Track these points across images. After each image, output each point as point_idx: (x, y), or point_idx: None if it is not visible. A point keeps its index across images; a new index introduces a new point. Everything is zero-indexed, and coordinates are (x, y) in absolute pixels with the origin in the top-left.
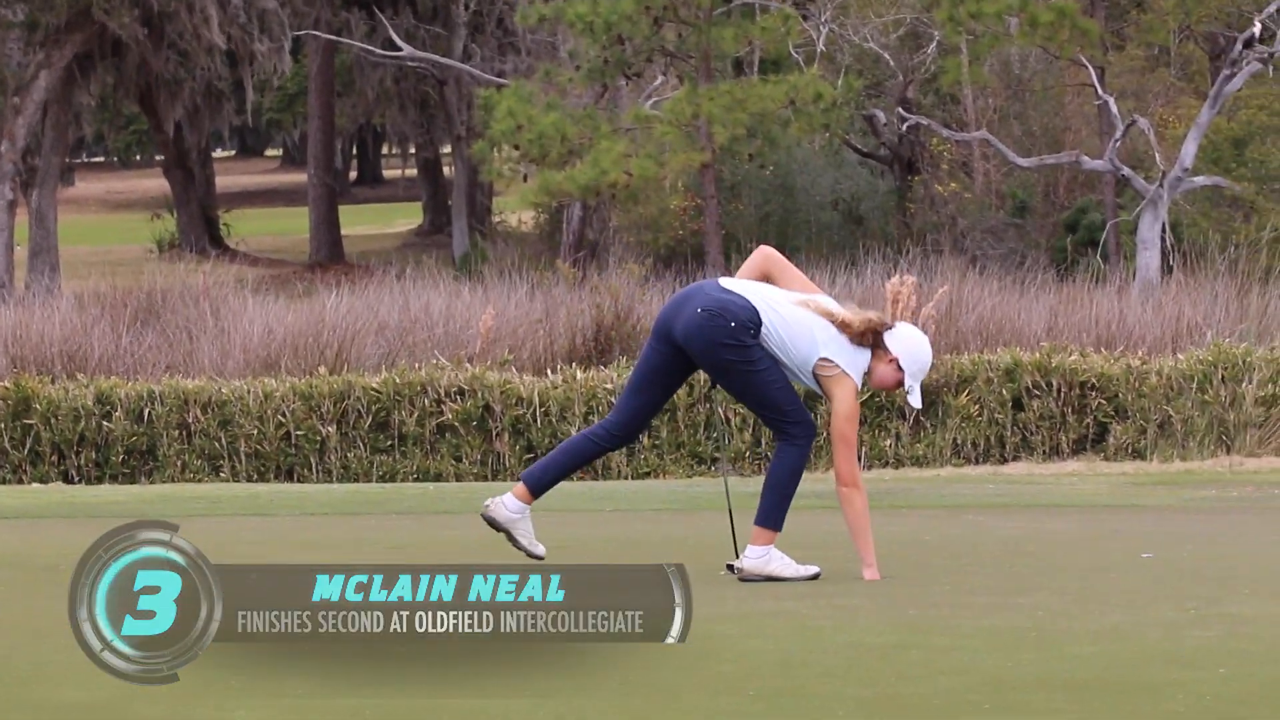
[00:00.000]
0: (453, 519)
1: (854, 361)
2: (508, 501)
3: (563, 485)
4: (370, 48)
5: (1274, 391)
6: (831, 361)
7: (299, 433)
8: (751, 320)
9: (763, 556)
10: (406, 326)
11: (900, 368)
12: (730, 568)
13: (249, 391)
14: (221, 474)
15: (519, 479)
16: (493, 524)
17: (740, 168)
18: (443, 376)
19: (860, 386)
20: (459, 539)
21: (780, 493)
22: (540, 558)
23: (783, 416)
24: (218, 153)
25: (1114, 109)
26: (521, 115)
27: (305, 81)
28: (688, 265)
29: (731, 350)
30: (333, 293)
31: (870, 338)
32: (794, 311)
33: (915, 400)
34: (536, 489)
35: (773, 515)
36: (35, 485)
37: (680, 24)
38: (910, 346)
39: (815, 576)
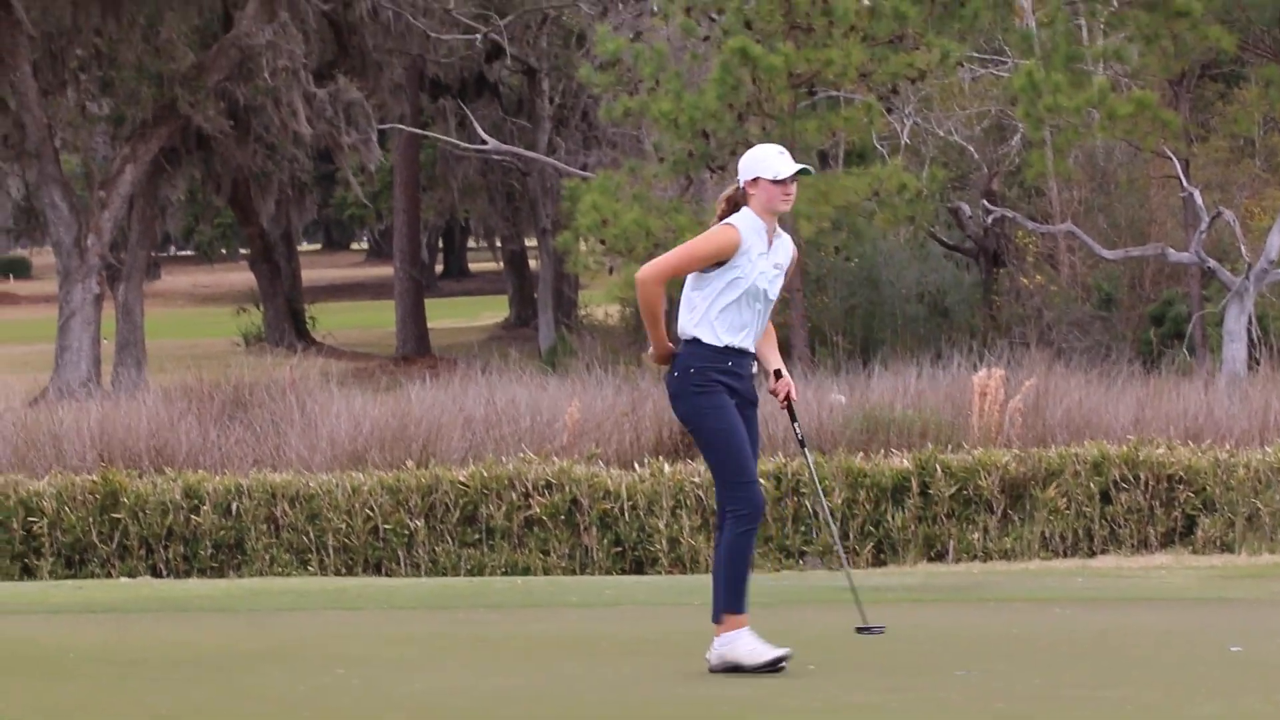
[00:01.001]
0: (541, 613)
1: (746, 224)
2: (719, 643)
3: (653, 580)
4: (456, 141)
5: None
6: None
7: (387, 526)
8: (684, 359)
9: (730, 643)
10: (493, 420)
11: (758, 185)
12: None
13: (337, 485)
14: (309, 568)
15: (714, 621)
16: (732, 668)
17: (825, 260)
18: (530, 470)
19: (751, 241)
20: (548, 634)
21: (727, 576)
22: (787, 656)
23: (723, 484)
24: (303, 246)
25: (1199, 200)
26: (606, 209)
27: (391, 175)
28: None
29: (677, 403)
30: (419, 386)
31: (730, 205)
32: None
33: (784, 169)
34: (731, 607)
35: (729, 600)
36: (123, 579)
37: (764, 117)
38: (745, 165)
39: (780, 661)
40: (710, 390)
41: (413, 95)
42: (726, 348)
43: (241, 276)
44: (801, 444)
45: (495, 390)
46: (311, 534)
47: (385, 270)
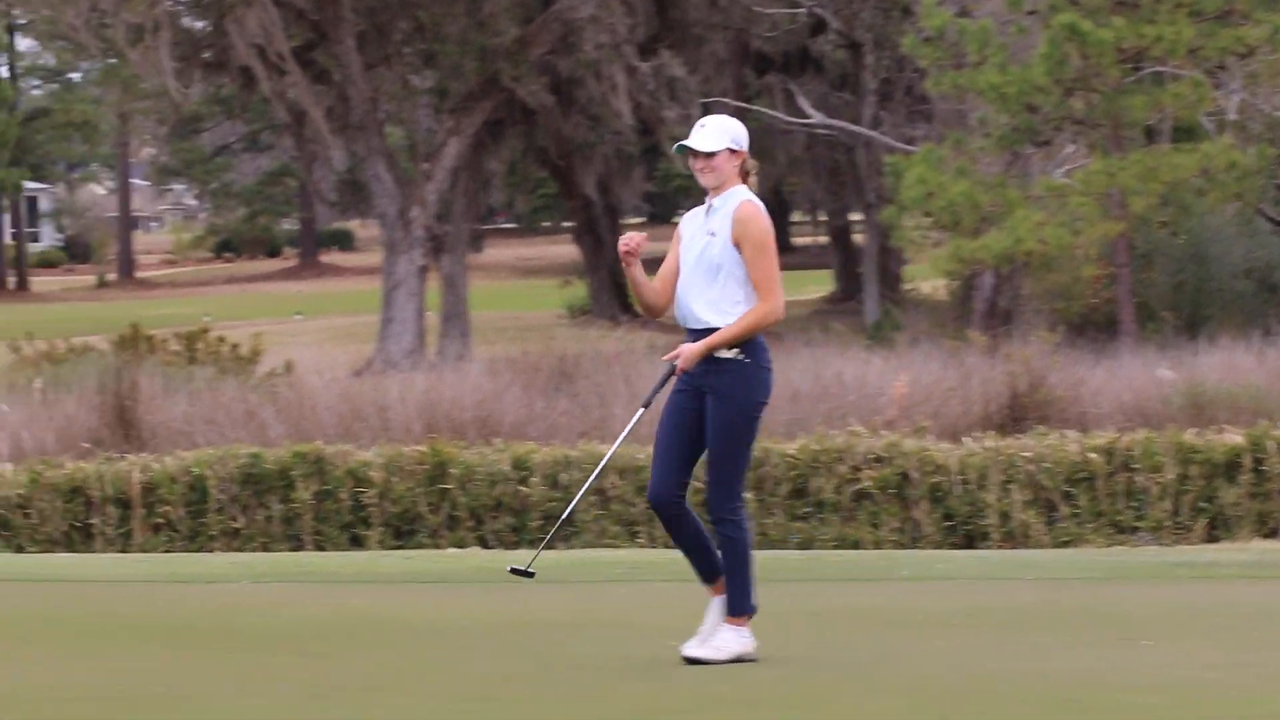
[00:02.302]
0: (872, 587)
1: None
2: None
3: (984, 554)
4: (780, 114)
5: None
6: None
7: None
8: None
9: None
10: (819, 393)
11: (733, 151)
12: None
13: None
14: (638, 539)
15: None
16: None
17: (1152, 236)
18: (860, 443)
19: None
20: (880, 609)
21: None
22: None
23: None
24: (628, 219)
25: None
26: (932, 182)
27: None
28: (1100, 334)
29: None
30: None
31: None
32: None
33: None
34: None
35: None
36: (452, 550)
37: (1090, 92)
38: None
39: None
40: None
41: (736, 70)
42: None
43: (565, 249)
44: (644, 405)
45: (821, 364)
46: (641, 506)
47: None
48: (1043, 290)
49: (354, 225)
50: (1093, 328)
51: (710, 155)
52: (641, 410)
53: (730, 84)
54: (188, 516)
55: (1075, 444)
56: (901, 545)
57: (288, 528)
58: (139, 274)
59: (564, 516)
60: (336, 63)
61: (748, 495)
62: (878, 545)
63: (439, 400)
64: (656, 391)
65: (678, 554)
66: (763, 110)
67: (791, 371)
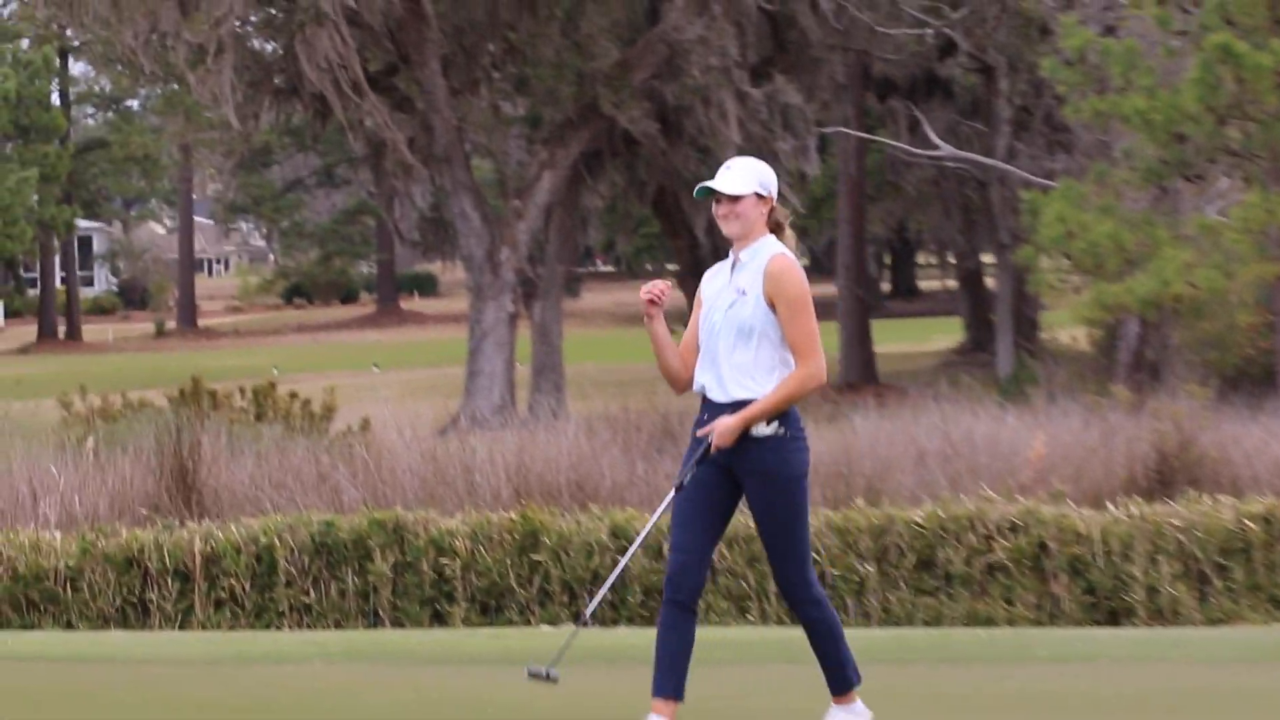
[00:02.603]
0: (1007, 668)
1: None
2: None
3: (1129, 633)
4: (905, 146)
5: None
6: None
7: (834, 571)
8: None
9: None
10: (947, 454)
11: (761, 196)
12: None
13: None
14: (749, 615)
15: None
16: None
17: None
18: (992, 510)
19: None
20: (1016, 693)
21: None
22: None
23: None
24: None
25: None
26: (1072, 220)
27: (832, 184)
28: (1257, 388)
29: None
30: (865, 416)
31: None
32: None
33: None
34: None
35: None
36: (544, 627)
37: (1246, 120)
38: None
39: None
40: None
41: (856, 96)
42: (702, 398)
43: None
44: (677, 487)
45: (949, 421)
46: (751, 579)
47: (826, 289)
48: (1193, 339)
49: (437, 268)
50: (1249, 381)
51: (735, 199)
52: (673, 493)
53: (850, 112)
54: (254, 590)
55: (1230, 511)
56: (1038, 623)
57: (364, 603)
58: (201, 322)
59: (588, 611)
60: (419, 88)
61: (869, 567)
62: (1012, 623)
63: (530, 462)
64: (689, 471)
65: (794, 631)
66: (886, 141)
67: (916, 430)
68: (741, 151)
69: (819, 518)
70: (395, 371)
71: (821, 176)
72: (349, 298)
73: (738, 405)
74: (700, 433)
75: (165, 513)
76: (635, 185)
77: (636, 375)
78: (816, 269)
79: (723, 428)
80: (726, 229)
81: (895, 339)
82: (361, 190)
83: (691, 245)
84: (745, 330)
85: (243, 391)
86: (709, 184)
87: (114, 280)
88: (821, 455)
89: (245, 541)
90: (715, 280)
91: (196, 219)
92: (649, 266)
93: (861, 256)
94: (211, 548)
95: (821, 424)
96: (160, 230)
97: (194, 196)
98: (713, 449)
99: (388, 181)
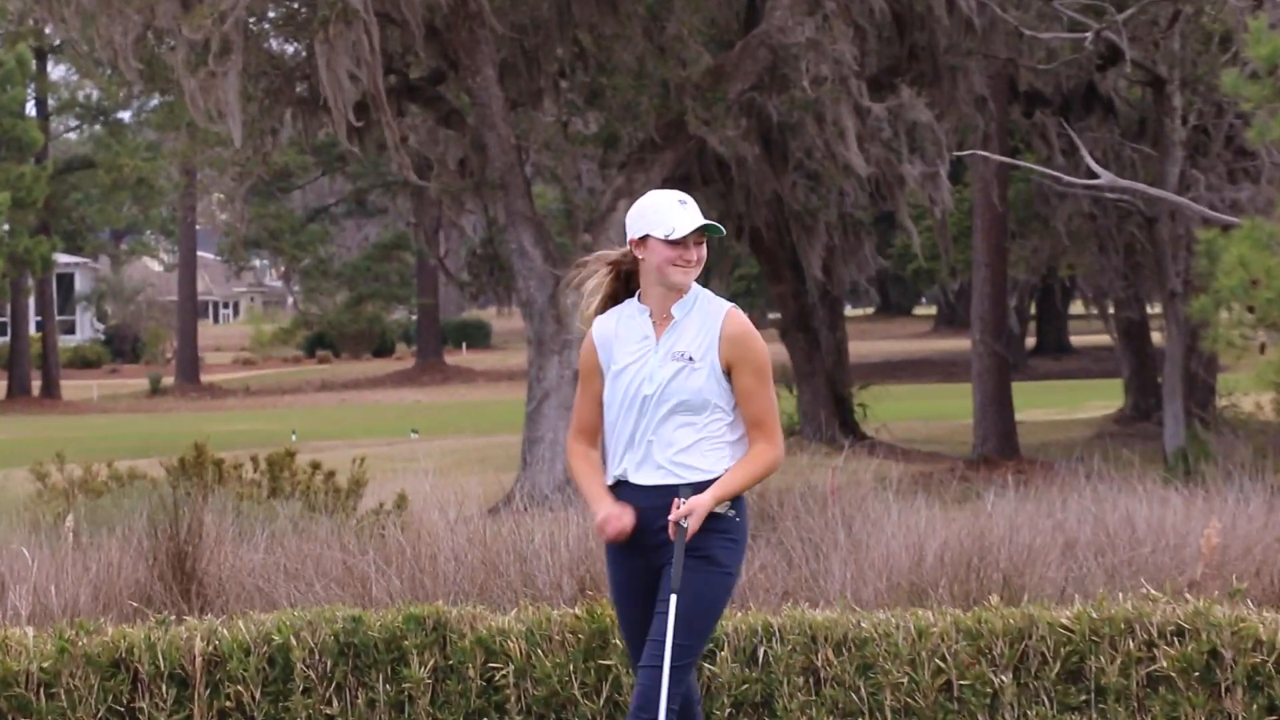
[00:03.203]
0: None
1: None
2: None
3: None
4: (1056, 173)
5: None
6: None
7: (963, 682)
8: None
9: None
10: (1102, 544)
11: (646, 244)
12: None
13: (897, 627)
14: None
15: None
16: None
17: None
18: (1155, 611)
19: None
20: None
21: None
22: None
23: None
24: (851, 310)
25: None
26: (1257, 266)
27: (967, 218)
28: None
29: None
30: (1003, 496)
31: (616, 276)
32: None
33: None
34: None
35: None
36: None
37: None
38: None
39: None
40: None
41: (999, 112)
42: (615, 482)
43: (768, 349)
44: (675, 591)
45: (1104, 504)
46: (863, 691)
47: (960, 343)
48: None
49: (489, 315)
50: None
51: (702, 241)
52: (674, 596)
53: (992, 131)
54: (265, 699)
55: None
56: None
57: (398, 715)
58: (205, 377)
59: None
60: (471, 100)
61: (1004, 677)
62: None
63: (599, 549)
64: (680, 568)
65: None
66: (1033, 167)
67: (1065, 514)
68: (862, 179)
69: (944, 618)
70: (438, 439)
71: (955, 210)
72: (383, 350)
73: (671, 491)
74: (674, 517)
75: (159, 605)
76: (730, 219)
77: None
78: (946, 320)
79: (700, 508)
80: (685, 278)
81: (1041, 404)
82: (400, 222)
83: (796, 293)
84: (695, 405)
85: (255, 461)
86: (709, 222)
87: (100, 327)
88: (948, 542)
89: (256, 641)
90: (626, 340)
91: (200, 254)
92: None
93: (1002, 305)
94: (215, 648)
95: (950, 505)
96: (156, 268)
97: (197, 228)
98: (688, 534)
99: (431, 212)
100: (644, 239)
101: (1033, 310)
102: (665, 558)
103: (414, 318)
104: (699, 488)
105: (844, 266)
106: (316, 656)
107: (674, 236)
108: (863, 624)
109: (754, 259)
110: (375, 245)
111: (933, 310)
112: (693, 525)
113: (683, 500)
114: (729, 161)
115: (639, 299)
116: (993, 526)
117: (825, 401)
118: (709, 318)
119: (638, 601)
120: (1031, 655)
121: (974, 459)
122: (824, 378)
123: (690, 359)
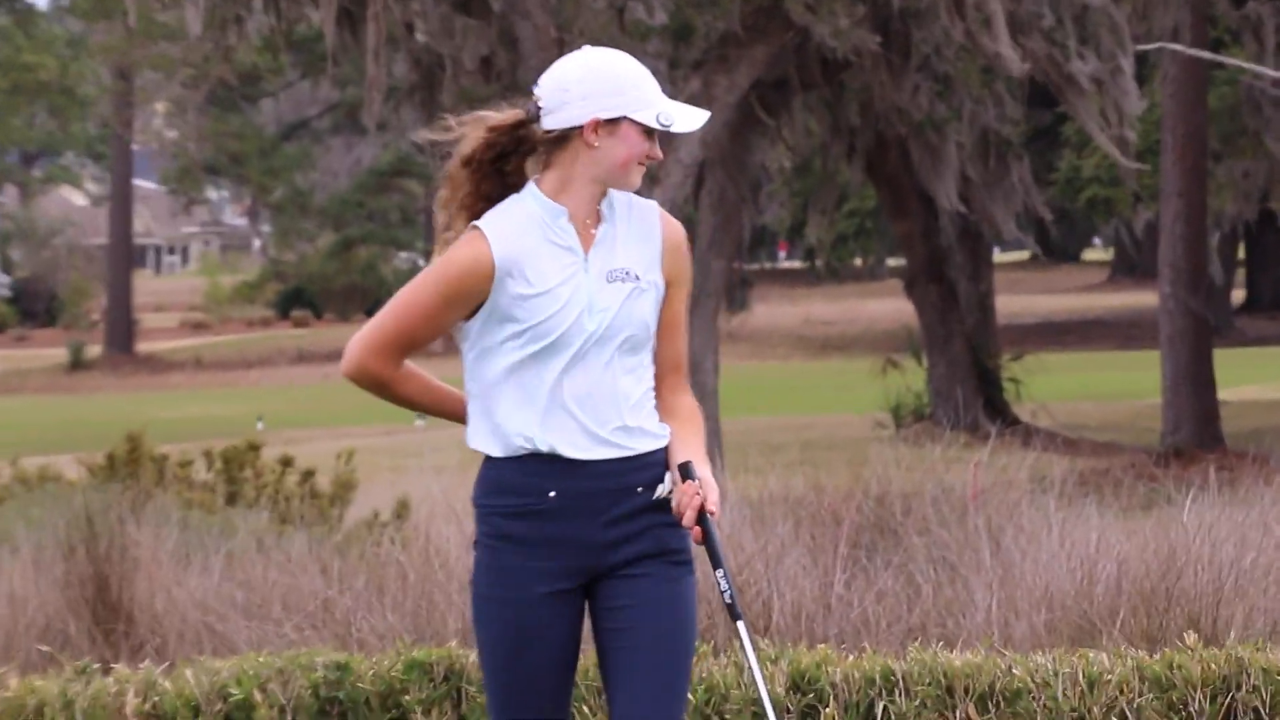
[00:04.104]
0: None
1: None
2: None
3: None
4: (1271, 72)
5: None
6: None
7: None
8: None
9: None
10: None
11: (616, 131)
12: None
13: (1058, 673)
14: None
15: None
16: None
17: None
18: None
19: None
20: None
21: None
22: None
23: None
24: (999, 255)
25: None
26: None
27: (1154, 133)
28: None
29: None
30: (1201, 501)
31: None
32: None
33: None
34: None
35: None
36: None
37: None
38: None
39: None
40: (488, 551)
41: None
42: (522, 456)
43: (889, 305)
44: (730, 608)
45: None
46: None
47: (1144, 298)
48: None
49: None
50: None
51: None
52: (742, 623)
53: (1186, 19)
54: None
55: None
56: None
57: None
58: (143, 346)
59: None
60: None
61: None
62: None
63: None
64: (719, 572)
65: None
66: (1243, 65)
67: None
68: (1019, 80)
69: (1122, 662)
70: (449, 427)
71: (1140, 121)
72: (377, 310)
73: (627, 467)
74: (694, 507)
75: (78, 650)
76: (840, 135)
77: (834, 433)
78: (1125, 268)
79: (716, 488)
80: (637, 180)
81: (1252, 378)
82: (402, 141)
83: (925, 230)
84: (641, 342)
85: (208, 458)
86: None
87: (4, 280)
88: (1128, 562)
89: (208, 696)
90: (540, 254)
91: (138, 184)
92: (858, 262)
93: (1200, 248)
94: (153, 705)
95: (1131, 513)
96: (79, 201)
97: (135, 148)
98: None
99: (446, 126)
100: (616, 121)
101: (1241, 255)
102: (621, 557)
103: (421, 265)
104: (660, 464)
105: (990, 198)
106: (289, 716)
107: (674, 128)
108: (1015, 670)
109: (869, 188)
110: (370, 171)
111: (1108, 255)
112: (716, 510)
113: (669, 486)
114: (840, 59)
115: (545, 196)
116: (1186, 542)
117: (965, 375)
118: (644, 221)
119: (563, 631)
120: (1240, 711)
121: (1163, 451)
122: (963, 344)
123: (637, 278)
